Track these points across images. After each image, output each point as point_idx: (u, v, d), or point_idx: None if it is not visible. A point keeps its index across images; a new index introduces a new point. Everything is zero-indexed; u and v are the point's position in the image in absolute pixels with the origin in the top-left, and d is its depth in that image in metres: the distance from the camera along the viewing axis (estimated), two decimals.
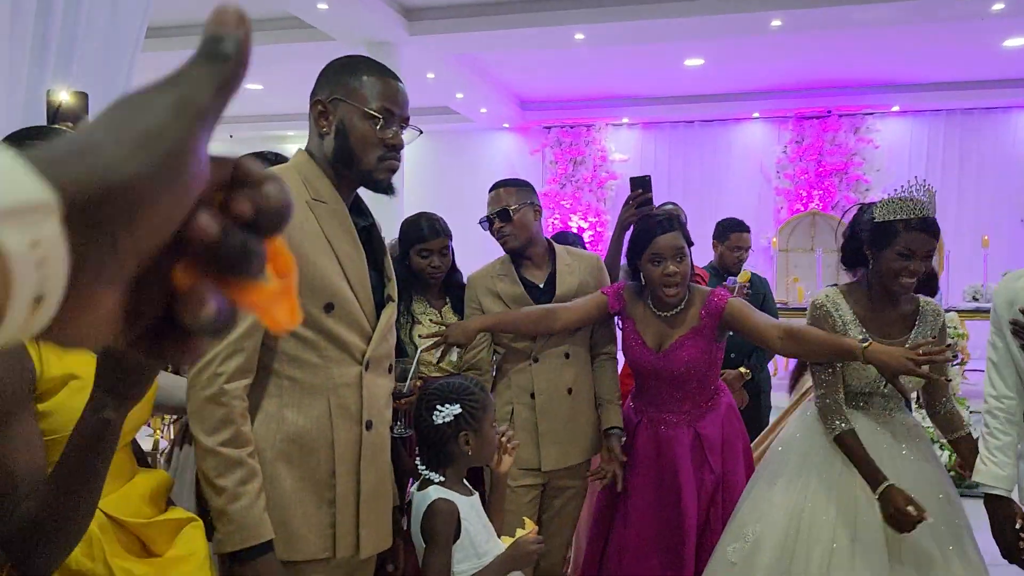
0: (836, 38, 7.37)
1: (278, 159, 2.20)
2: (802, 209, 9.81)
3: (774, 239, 9.26)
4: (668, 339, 2.42)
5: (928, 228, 2.01)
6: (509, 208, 2.49)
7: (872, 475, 2.04)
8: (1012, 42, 7.50)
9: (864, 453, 2.07)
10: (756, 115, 10.20)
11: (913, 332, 2.15)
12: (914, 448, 2.18)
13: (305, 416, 1.54)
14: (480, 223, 2.57)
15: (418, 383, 2.43)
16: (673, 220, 2.37)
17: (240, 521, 1.43)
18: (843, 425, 2.12)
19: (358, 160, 1.58)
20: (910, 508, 1.93)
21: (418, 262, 2.66)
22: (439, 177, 11.22)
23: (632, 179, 2.75)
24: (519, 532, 1.89)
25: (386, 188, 1.63)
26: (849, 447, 2.10)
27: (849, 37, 7.30)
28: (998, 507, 2.01)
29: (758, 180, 10.33)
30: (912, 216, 2.00)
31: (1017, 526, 1.96)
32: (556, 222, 10.61)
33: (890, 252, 2.03)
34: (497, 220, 2.50)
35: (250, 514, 1.43)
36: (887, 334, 2.15)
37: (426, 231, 2.65)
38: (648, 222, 2.40)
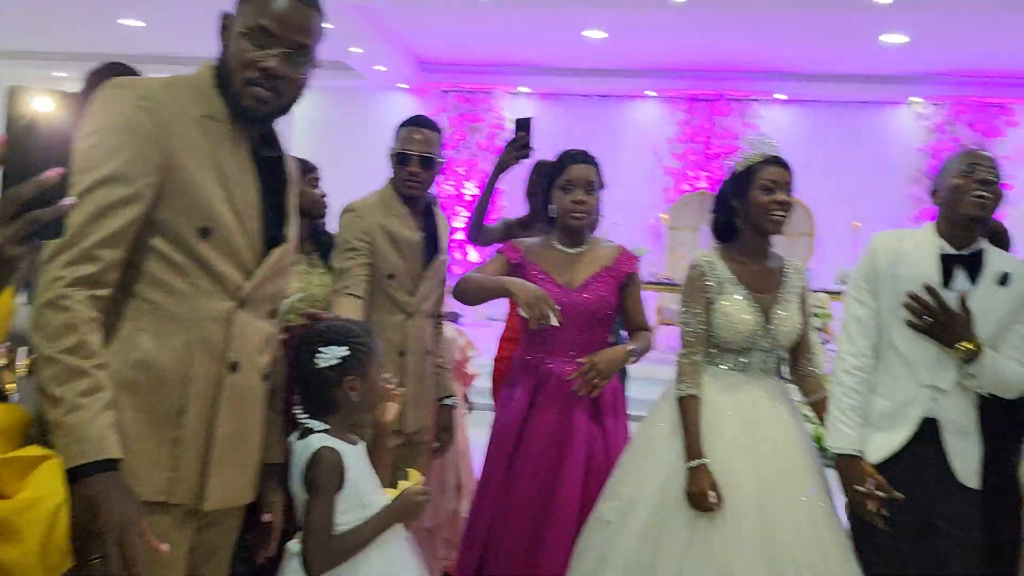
0: (730, 22, 7.56)
1: (125, 71, 2.08)
2: (690, 189, 10.10)
3: (663, 216, 9.50)
4: (579, 275, 2.41)
5: (780, 162, 2.22)
6: (434, 156, 2.43)
7: (693, 447, 2.09)
8: (888, 38, 7.89)
9: (695, 424, 2.12)
10: (651, 93, 10.38)
11: (781, 288, 2.26)
12: (788, 411, 2.24)
13: (161, 345, 1.42)
14: (392, 155, 2.44)
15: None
16: (589, 155, 2.42)
17: (79, 433, 1.26)
18: (689, 390, 2.17)
19: (228, 82, 1.46)
20: (711, 493, 2.01)
21: None
22: (328, 134, 10.87)
23: (517, 120, 2.74)
24: (402, 484, 1.83)
25: (252, 117, 1.48)
26: (685, 412, 2.15)
27: (741, 22, 7.51)
28: (849, 466, 2.09)
29: (649, 158, 10.54)
30: (768, 155, 2.21)
31: (866, 487, 2.04)
32: (450, 188, 10.52)
33: (754, 191, 2.18)
34: (418, 164, 2.41)
35: (92, 427, 1.27)
36: (760, 288, 2.24)
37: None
38: (565, 153, 2.45)
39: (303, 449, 1.75)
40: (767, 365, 2.26)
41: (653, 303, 8.36)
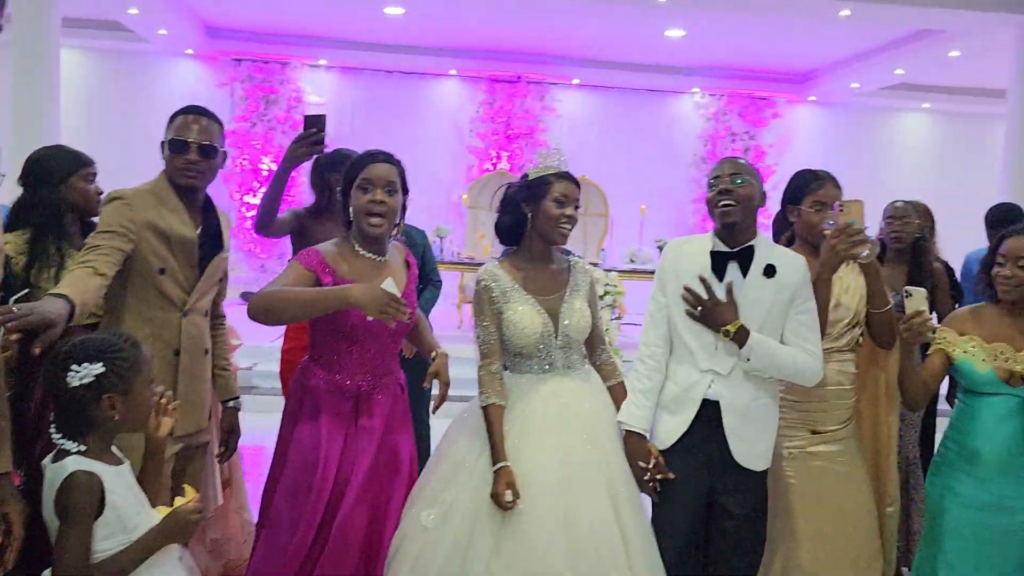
0: (527, 7, 7.74)
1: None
2: (491, 169, 10.29)
3: (464, 195, 9.61)
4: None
5: (571, 179, 2.32)
6: (216, 146, 2.30)
7: (496, 452, 2.17)
8: (672, 32, 8.46)
9: (499, 431, 2.20)
10: (453, 72, 10.43)
11: (567, 288, 2.35)
12: (593, 397, 2.36)
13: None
14: (169, 144, 2.28)
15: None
16: (391, 155, 2.32)
17: None
18: (490, 399, 2.24)
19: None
20: (508, 493, 2.09)
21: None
22: (104, 103, 9.97)
23: (306, 117, 2.59)
24: (179, 500, 1.74)
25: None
26: (488, 420, 2.22)
27: (538, 8, 7.72)
28: (634, 444, 2.26)
29: (452, 137, 10.62)
30: (559, 170, 2.31)
31: (651, 463, 2.22)
32: (245, 163, 10.00)
33: (548, 202, 2.26)
34: (197, 152, 2.27)
35: None
36: (546, 292, 2.32)
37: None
38: (366, 153, 2.30)
39: (56, 472, 1.63)
40: (570, 360, 2.37)
41: (455, 281, 8.47)
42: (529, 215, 2.30)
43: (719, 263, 2.24)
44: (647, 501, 2.30)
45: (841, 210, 2.27)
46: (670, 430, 2.26)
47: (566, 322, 2.31)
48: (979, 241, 4.80)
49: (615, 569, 2.09)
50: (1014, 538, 2.26)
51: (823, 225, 2.40)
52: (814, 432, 2.43)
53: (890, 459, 2.59)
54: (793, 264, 2.26)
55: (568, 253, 2.57)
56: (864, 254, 2.26)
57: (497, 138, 10.46)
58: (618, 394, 2.41)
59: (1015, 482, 2.25)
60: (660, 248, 8.50)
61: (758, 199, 2.25)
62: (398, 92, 10.53)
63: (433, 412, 2.43)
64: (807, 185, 2.48)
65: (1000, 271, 2.29)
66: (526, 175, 2.35)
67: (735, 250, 2.24)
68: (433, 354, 2.40)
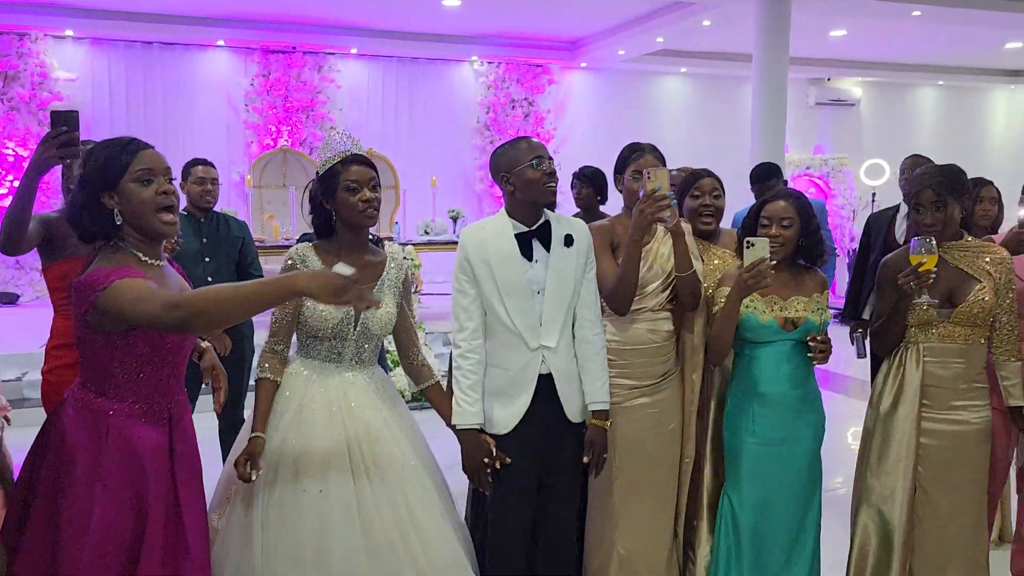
0: None
1: None
2: (272, 145, 9.86)
3: (248, 175, 9.13)
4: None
5: (361, 160, 2.27)
6: None
7: (257, 423, 2.18)
8: (448, 2, 8.49)
9: (265, 403, 2.21)
10: (221, 43, 9.82)
11: (378, 282, 2.33)
12: (382, 397, 2.35)
13: None
14: None
15: None
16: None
17: None
18: (266, 374, 2.26)
19: None
20: (247, 464, 2.08)
21: None
22: None
23: (53, 114, 2.24)
24: None
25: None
26: (259, 391, 2.24)
27: None
28: (472, 440, 2.33)
29: (226, 112, 10.03)
30: (345, 154, 2.26)
31: (491, 458, 2.31)
32: None
33: (341, 192, 2.23)
34: None
35: None
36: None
37: None
38: (130, 142, 1.88)
39: None
40: (363, 355, 2.34)
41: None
42: (331, 208, 2.26)
43: (524, 243, 2.34)
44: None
45: (649, 177, 2.41)
46: (509, 415, 2.34)
47: (368, 316, 2.28)
48: (741, 197, 5.33)
49: (408, 564, 2.11)
50: (794, 463, 2.58)
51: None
52: (632, 387, 2.60)
53: (691, 415, 2.77)
54: (581, 231, 2.43)
55: (377, 242, 2.54)
56: (667, 217, 2.41)
57: (276, 112, 10.01)
58: (434, 395, 2.44)
59: (794, 415, 2.57)
60: (453, 218, 8.62)
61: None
62: (161, 66, 9.75)
63: (219, 411, 2.31)
64: (629, 156, 2.66)
65: (764, 231, 2.56)
66: (317, 171, 2.31)
67: (533, 228, 2.35)
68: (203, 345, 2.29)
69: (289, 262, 2.26)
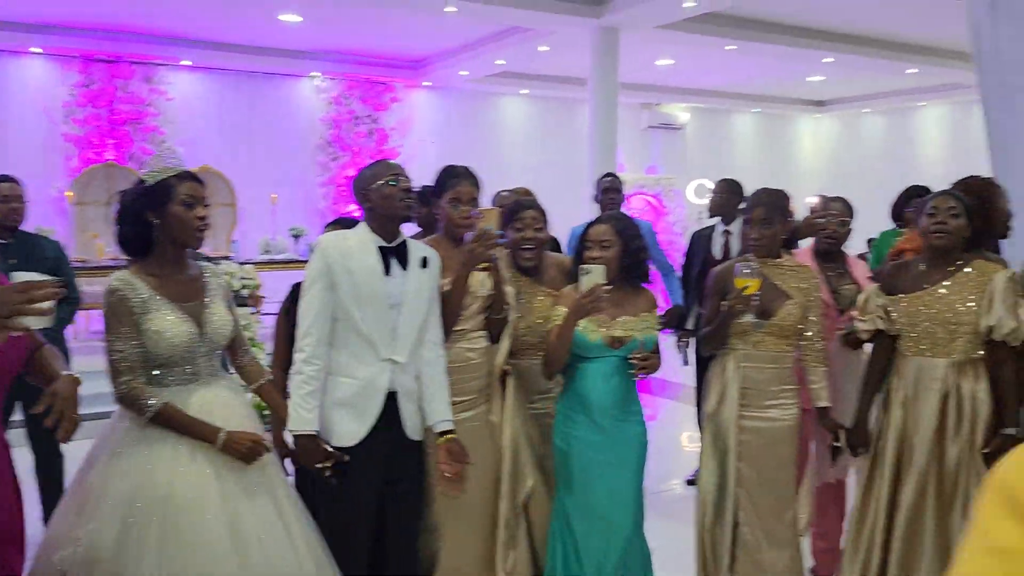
0: None
1: None
2: (96, 159, 9.27)
3: (69, 191, 8.54)
4: None
5: (195, 177, 2.27)
6: None
7: (207, 433, 2.15)
8: (287, 17, 8.36)
9: (188, 418, 2.16)
10: (37, 50, 9.15)
11: (206, 294, 2.32)
12: (241, 404, 2.36)
13: None
14: None
15: None
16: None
17: None
18: (158, 403, 2.15)
19: None
20: (251, 441, 2.16)
21: None
22: None
23: None
24: None
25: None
26: (169, 419, 2.15)
27: None
28: (307, 445, 2.36)
29: (43, 123, 9.34)
30: (179, 170, 2.24)
31: (328, 461, 2.34)
32: None
33: (176, 206, 2.19)
34: None
35: None
36: (186, 298, 2.26)
37: None
38: None
39: None
40: (213, 367, 2.33)
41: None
42: (157, 223, 2.20)
43: (384, 257, 2.42)
44: None
45: (480, 217, 2.52)
46: (355, 428, 2.37)
47: (210, 328, 2.27)
48: (576, 212, 5.59)
49: (286, 572, 2.15)
50: (620, 468, 2.75)
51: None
52: (455, 403, 2.66)
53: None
54: (435, 256, 2.56)
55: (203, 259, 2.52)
56: (495, 257, 2.57)
57: (100, 124, 9.44)
58: (266, 393, 2.48)
59: (617, 425, 2.74)
60: (295, 236, 8.46)
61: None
62: None
63: (64, 440, 2.20)
64: (447, 181, 2.70)
65: (588, 254, 2.73)
66: (142, 181, 2.23)
67: (393, 244, 2.44)
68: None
69: (120, 293, 2.16)
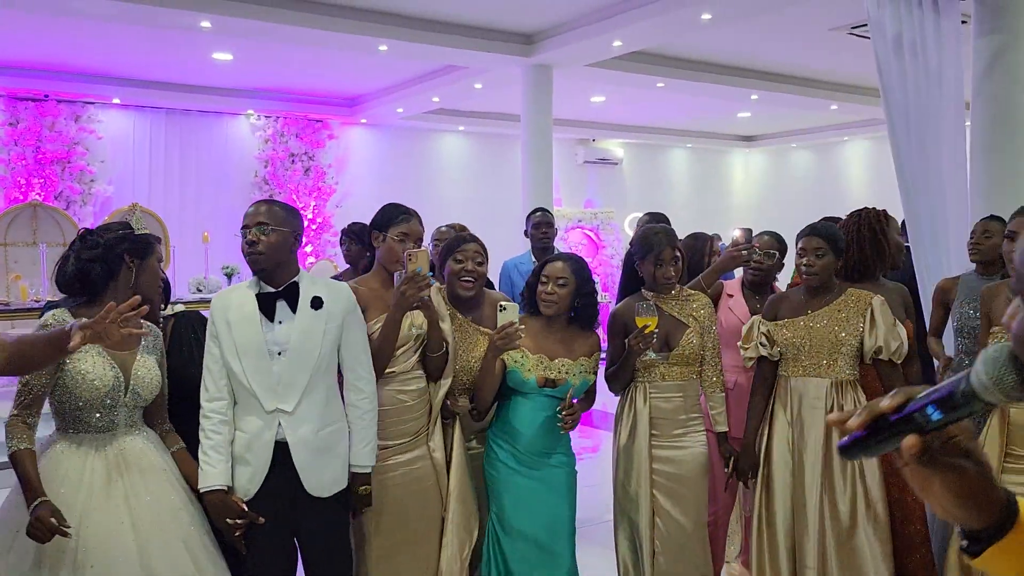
0: (54, 21, 6.99)
1: None
2: (22, 198, 9.03)
3: None
4: None
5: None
6: None
7: (31, 493, 2.06)
8: (220, 56, 8.33)
9: (32, 474, 2.09)
10: None
11: (140, 346, 2.32)
12: (160, 456, 2.31)
13: None
14: None
15: None
16: None
17: None
18: (24, 444, 2.13)
19: None
20: (53, 520, 2.01)
21: None
22: None
23: None
24: None
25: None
26: (23, 465, 2.10)
27: (68, 22, 7.01)
28: (217, 500, 2.29)
29: None
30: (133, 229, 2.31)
31: (237, 518, 2.28)
32: None
33: (153, 260, 2.38)
34: None
35: None
36: (119, 346, 2.22)
37: None
38: None
39: None
40: (132, 419, 2.30)
41: None
42: (130, 268, 2.28)
43: (267, 304, 2.34)
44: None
45: (410, 259, 2.48)
46: (249, 479, 2.31)
47: (136, 380, 2.26)
48: (512, 247, 5.64)
49: None
50: (550, 495, 2.79)
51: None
52: (385, 447, 2.59)
53: (442, 470, 2.82)
54: (339, 294, 2.42)
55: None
56: (427, 297, 2.53)
57: (26, 163, 9.21)
58: (180, 460, 2.39)
59: (539, 451, 2.78)
60: (228, 275, 8.34)
61: (291, 241, 2.36)
62: None
63: None
64: (396, 218, 2.68)
65: (542, 289, 2.79)
66: (130, 228, 2.34)
67: (280, 289, 2.35)
68: None
69: (50, 327, 2.13)
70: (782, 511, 2.92)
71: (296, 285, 2.38)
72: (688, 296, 3.03)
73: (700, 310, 2.99)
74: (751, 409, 3.04)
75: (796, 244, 2.99)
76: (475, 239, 2.94)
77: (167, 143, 10.27)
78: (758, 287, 3.54)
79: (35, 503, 2.03)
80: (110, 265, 2.25)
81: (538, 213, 5.03)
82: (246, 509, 2.29)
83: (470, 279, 2.84)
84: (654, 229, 2.99)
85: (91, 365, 2.18)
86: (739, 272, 3.68)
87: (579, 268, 2.84)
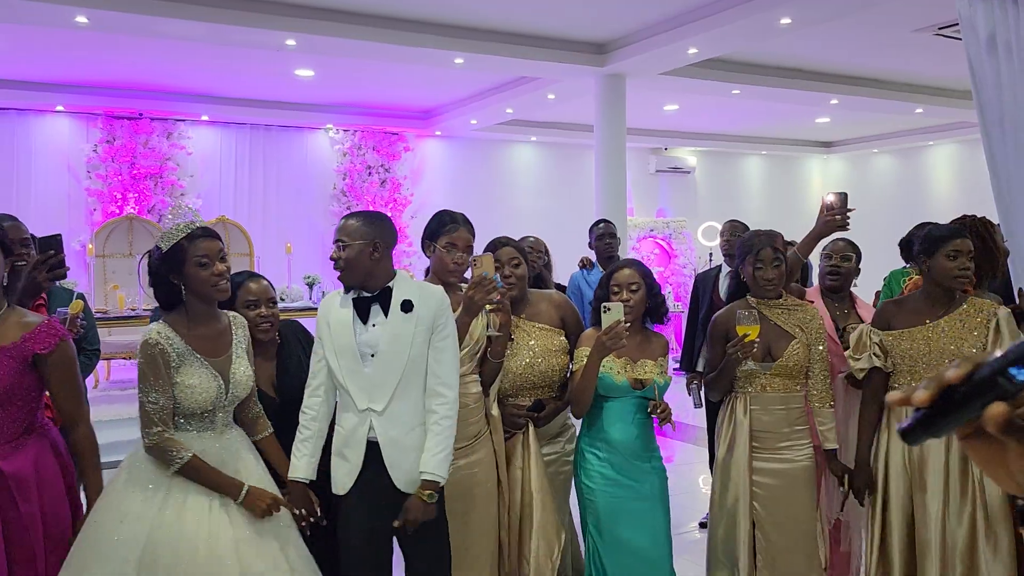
0: (147, 43, 7.35)
1: None
2: (118, 212, 9.49)
3: (90, 244, 8.74)
4: None
5: (208, 233, 2.35)
6: None
7: (230, 486, 2.24)
8: (302, 72, 8.61)
9: (214, 471, 2.26)
10: (60, 108, 9.44)
11: (232, 348, 2.41)
12: (252, 454, 2.44)
13: None
14: None
15: None
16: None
17: None
18: (187, 454, 2.24)
19: None
20: (271, 498, 2.24)
21: None
22: None
23: (40, 240, 2.48)
24: None
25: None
26: (196, 470, 2.25)
27: (160, 44, 7.37)
28: (296, 492, 2.42)
29: (66, 179, 9.60)
30: (191, 227, 2.34)
31: (314, 510, 2.42)
32: None
33: (192, 268, 2.30)
34: None
35: None
36: (215, 353, 2.36)
37: None
38: None
39: None
40: (227, 419, 2.42)
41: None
42: (178, 283, 2.31)
43: (362, 307, 2.42)
44: None
45: (475, 264, 2.53)
46: (347, 473, 2.40)
47: (234, 382, 2.36)
48: (582, 253, 5.66)
49: None
50: (638, 504, 2.78)
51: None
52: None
53: (503, 472, 2.87)
54: (431, 298, 2.43)
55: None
56: (496, 300, 2.59)
57: (122, 179, 9.67)
58: (267, 445, 2.51)
59: (638, 459, 2.79)
60: (309, 284, 8.58)
61: (370, 251, 2.38)
62: None
63: None
64: (444, 226, 2.74)
65: (617, 297, 2.79)
66: (159, 248, 2.33)
67: (374, 294, 2.42)
68: None
69: (159, 347, 2.26)
70: (898, 531, 2.78)
71: (389, 289, 2.43)
72: (796, 306, 2.95)
73: (809, 321, 2.91)
74: (863, 424, 2.89)
75: (935, 246, 2.72)
76: (508, 242, 3.00)
77: (251, 158, 10.64)
78: (835, 293, 3.46)
79: (242, 493, 2.23)
80: (165, 288, 2.35)
81: (600, 225, 5.07)
82: (318, 513, 2.42)
83: (510, 280, 2.91)
84: (757, 231, 3.00)
85: (198, 379, 2.28)
86: (815, 280, 3.62)
87: (645, 272, 2.88)
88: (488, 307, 2.65)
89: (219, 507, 2.25)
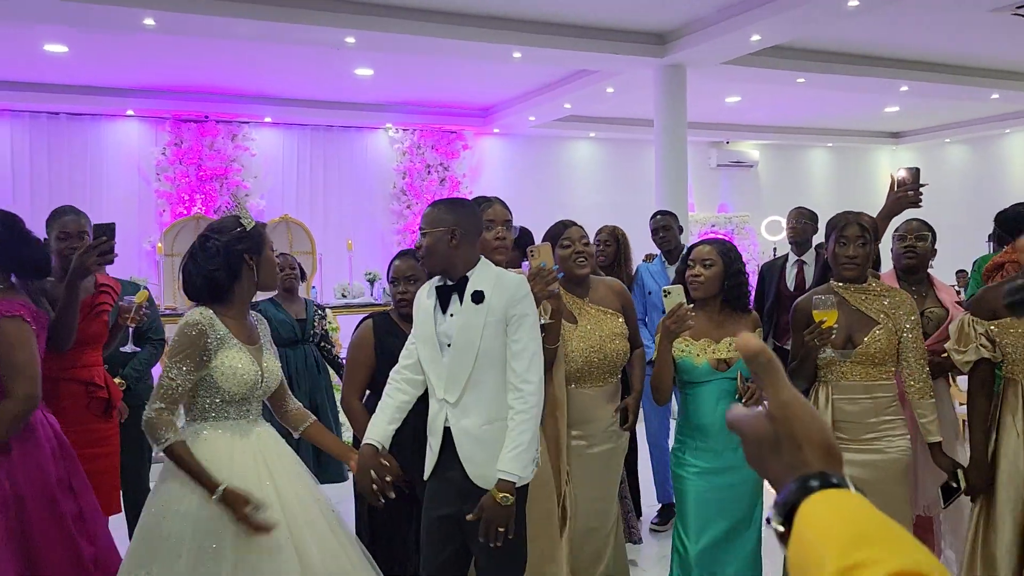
0: (211, 46, 7.52)
1: None
2: (185, 213, 9.75)
3: (159, 243, 8.99)
4: None
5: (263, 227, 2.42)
6: None
7: (207, 482, 2.15)
8: (361, 71, 8.70)
9: (195, 463, 2.18)
10: (130, 113, 9.75)
11: (261, 341, 2.44)
12: (284, 445, 2.44)
13: None
14: None
15: None
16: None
17: None
18: (174, 438, 2.20)
19: None
20: (249, 506, 2.12)
21: None
22: None
23: (96, 226, 2.60)
24: None
25: None
26: (179, 458, 2.19)
27: (224, 47, 7.53)
28: (364, 451, 2.40)
29: (136, 181, 9.91)
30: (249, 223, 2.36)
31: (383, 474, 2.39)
32: None
33: (267, 250, 2.38)
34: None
35: None
36: (251, 340, 2.38)
37: None
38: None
39: None
40: (260, 409, 2.45)
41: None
42: (251, 265, 2.32)
43: (444, 296, 2.40)
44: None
45: (532, 255, 2.50)
46: (429, 460, 2.41)
47: (268, 373, 2.40)
48: (646, 252, 5.59)
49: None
50: (733, 492, 2.71)
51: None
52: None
53: (561, 452, 2.89)
54: (505, 288, 2.34)
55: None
56: (555, 290, 2.57)
57: (189, 180, 9.94)
58: (315, 432, 2.55)
59: (732, 447, 2.68)
60: (370, 281, 8.66)
61: (447, 237, 2.33)
62: (68, 136, 9.60)
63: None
64: (478, 206, 2.68)
65: (690, 272, 2.75)
66: (239, 224, 2.32)
67: (455, 283, 2.39)
68: None
69: (200, 327, 2.24)
70: (1007, 533, 2.58)
71: (466, 279, 2.38)
72: (885, 291, 2.79)
73: (897, 308, 2.75)
74: (975, 417, 2.69)
75: None
76: (574, 223, 3.10)
77: (312, 158, 10.82)
78: (912, 274, 3.30)
79: (217, 493, 2.13)
80: (232, 269, 2.30)
81: (656, 217, 4.94)
82: (394, 466, 2.36)
83: (582, 257, 3.00)
84: (846, 211, 2.88)
85: (240, 361, 2.28)
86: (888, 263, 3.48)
87: (726, 250, 2.80)
88: (549, 297, 2.62)
89: (270, 493, 2.25)
